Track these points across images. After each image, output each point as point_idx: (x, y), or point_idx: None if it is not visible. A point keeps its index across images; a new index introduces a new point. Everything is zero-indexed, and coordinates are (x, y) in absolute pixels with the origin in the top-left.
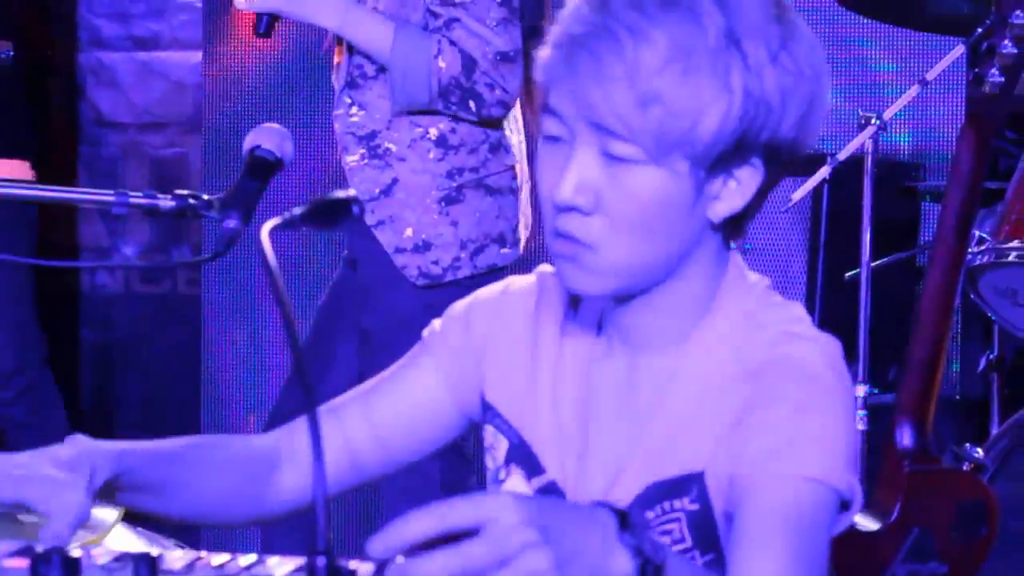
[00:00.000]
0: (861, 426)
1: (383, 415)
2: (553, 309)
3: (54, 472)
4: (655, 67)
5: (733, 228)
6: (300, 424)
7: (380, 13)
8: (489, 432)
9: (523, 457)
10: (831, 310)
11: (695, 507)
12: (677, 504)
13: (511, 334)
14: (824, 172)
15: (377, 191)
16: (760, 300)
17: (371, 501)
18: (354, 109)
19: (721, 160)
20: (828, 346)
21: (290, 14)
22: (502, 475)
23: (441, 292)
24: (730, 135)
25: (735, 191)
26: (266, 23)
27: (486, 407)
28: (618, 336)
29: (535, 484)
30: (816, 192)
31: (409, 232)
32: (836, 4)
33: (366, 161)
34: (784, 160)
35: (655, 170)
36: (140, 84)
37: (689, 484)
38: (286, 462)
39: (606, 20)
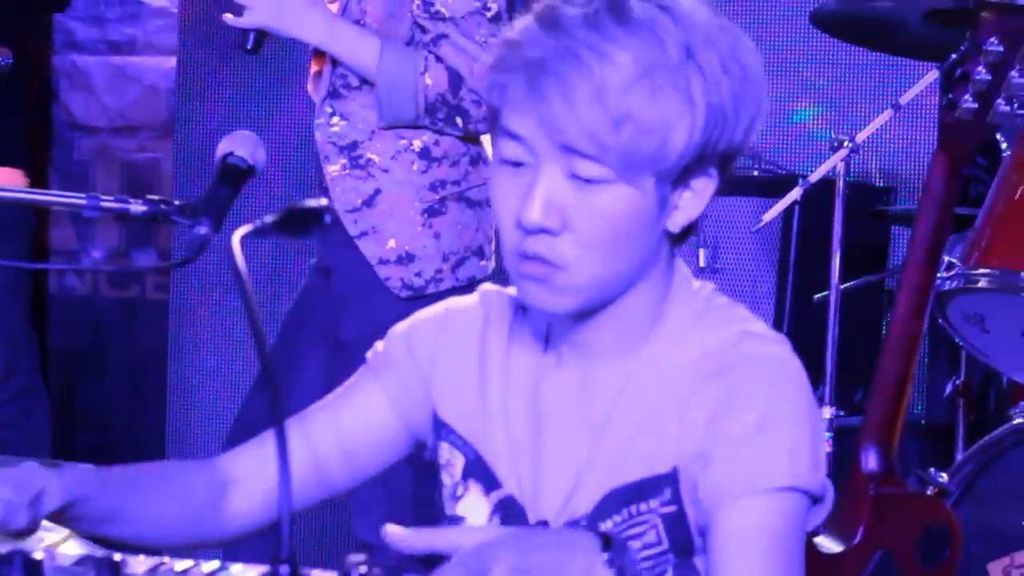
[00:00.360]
0: (827, 448)
1: (325, 438)
2: (499, 326)
3: None
4: (622, 87)
5: (681, 236)
6: (257, 443)
7: (366, 27)
8: (444, 449)
9: (480, 472)
10: (799, 332)
11: (671, 509)
12: (644, 507)
13: (458, 352)
14: (795, 194)
15: (359, 201)
16: (706, 302)
17: (327, 514)
18: (335, 119)
19: (685, 173)
20: (783, 343)
21: (276, 30)
22: (460, 491)
23: (420, 304)
24: (695, 148)
25: (691, 200)
26: (253, 39)
27: (439, 425)
28: (569, 350)
29: (493, 498)
30: (787, 213)
31: (392, 243)
32: (811, 26)
33: (348, 171)
34: (732, 165)
35: (623, 188)
36: (113, 88)
37: (658, 486)
38: (241, 483)
39: (566, 42)
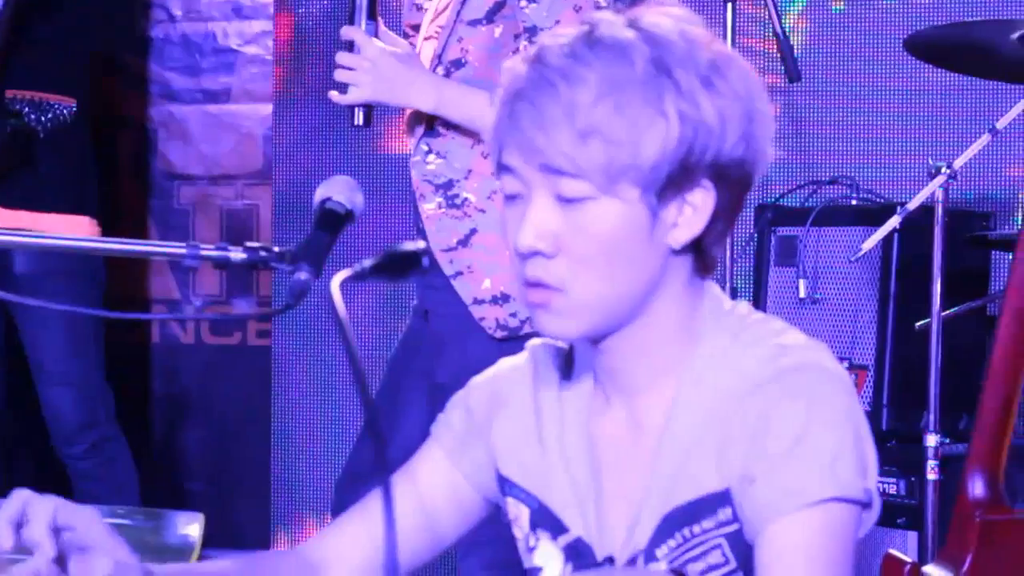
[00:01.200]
0: (933, 475)
1: (406, 508)
2: (549, 375)
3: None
4: (589, 103)
5: (701, 257)
6: (341, 524)
7: (468, 65)
8: (510, 504)
9: (546, 520)
10: (902, 360)
11: (734, 527)
12: (698, 528)
13: (512, 408)
14: (894, 222)
15: (455, 241)
16: (741, 319)
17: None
18: (431, 157)
19: (670, 184)
20: (821, 351)
21: (386, 102)
22: (532, 542)
23: (515, 345)
24: (673, 158)
25: (692, 216)
26: (364, 115)
27: (503, 481)
28: (611, 385)
29: (561, 543)
30: (886, 241)
31: (487, 283)
32: (906, 54)
33: (443, 210)
34: (735, 179)
35: (607, 202)
36: (210, 137)
37: (711, 506)
38: (335, 565)
39: (542, 71)
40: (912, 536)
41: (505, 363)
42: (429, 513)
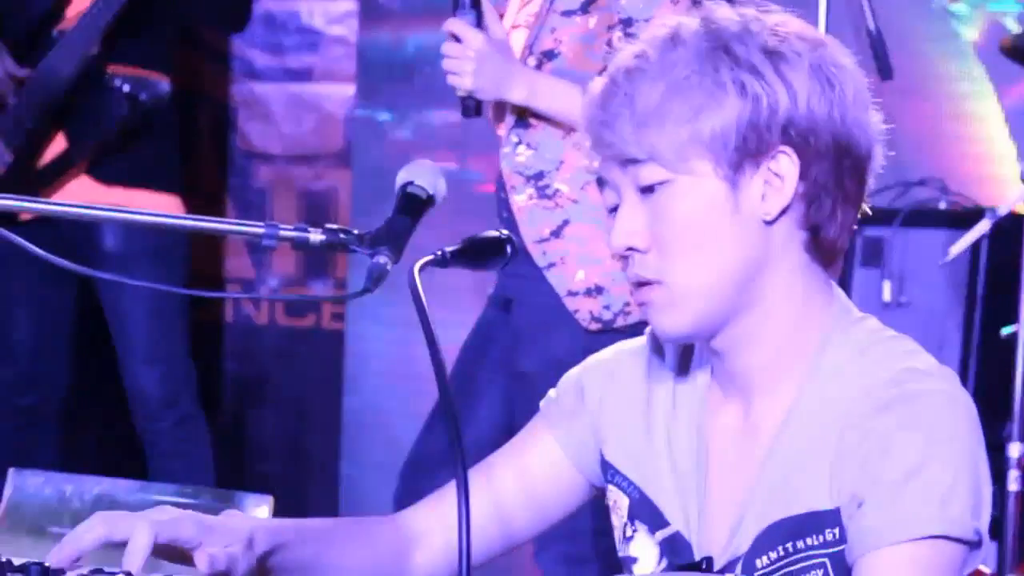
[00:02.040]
0: (1015, 486)
1: (507, 487)
2: (664, 366)
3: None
4: (646, 90)
5: (815, 240)
6: (439, 496)
7: (560, 57)
8: (611, 491)
9: (646, 511)
10: (987, 367)
11: (840, 548)
12: (801, 544)
13: (625, 393)
14: (984, 227)
15: (547, 232)
16: (871, 334)
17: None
18: (521, 148)
19: (744, 154)
20: (951, 381)
21: (484, 95)
22: (628, 532)
23: (607, 336)
24: (738, 127)
25: (777, 186)
26: (473, 105)
27: (606, 467)
28: (727, 383)
29: (659, 536)
30: (975, 246)
31: (581, 275)
32: (997, 55)
33: (535, 201)
34: (823, 147)
35: (682, 181)
36: (291, 116)
37: (819, 524)
38: (424, 539)
39: (611, 75)
40: (991, 547)
41: (624, 346)
42: (531, 492)
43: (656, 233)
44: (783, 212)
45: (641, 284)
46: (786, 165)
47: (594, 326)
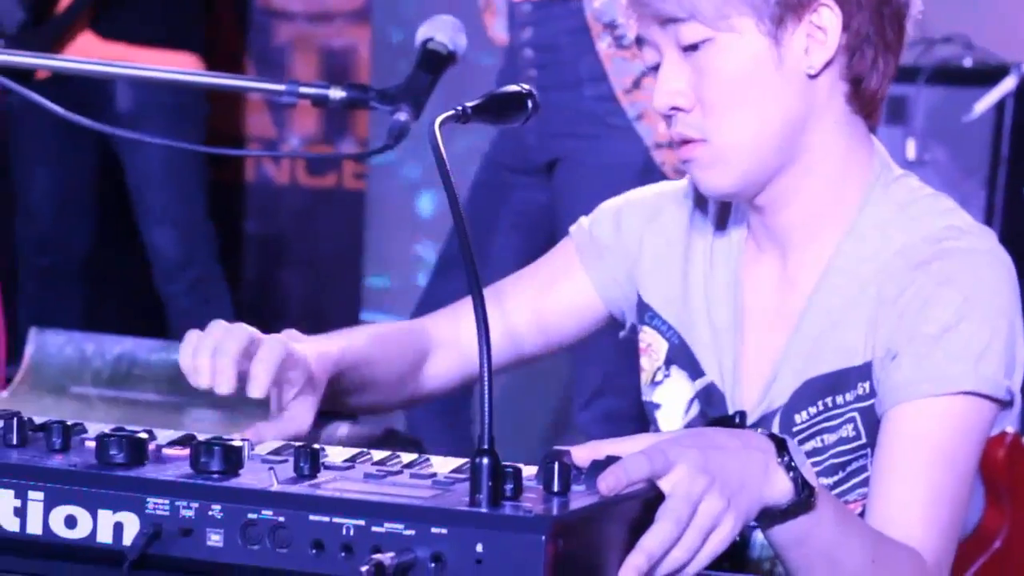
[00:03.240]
0: None
1: (521, 310)
2: (704, 215)
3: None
4: None
5: (857, 90)
6: (454, 308)
7: None
8: (647, 333)
9: (684, 358)
10: (1010, 226)
11: (870, 402)
12: (840, 400)
13: (665, 236)
14: (1009, 84)
15: (630, 83)
16: (912, 191)
17: (521, 411)
18: None
19: (784, 7)
20: (990, 239)
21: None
22: (659, 376)
23: None
24: None
25: (821, 38)
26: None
27: (644, 308)
28: (766, 236)
29: (697, 385)
30: (999, 104)
31: (663, 127)
32: None
33: (614, 50)
34: (853, 5)
35: (725, 39)
36: None
37: (854, 379)
38: (441, 346)
39: None
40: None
41: (666, 188)
42: (546, 319)
43: (700, 91)
44: (827, 65)
45: (685, 142)
46: (828, 17)
47: (675, 177)
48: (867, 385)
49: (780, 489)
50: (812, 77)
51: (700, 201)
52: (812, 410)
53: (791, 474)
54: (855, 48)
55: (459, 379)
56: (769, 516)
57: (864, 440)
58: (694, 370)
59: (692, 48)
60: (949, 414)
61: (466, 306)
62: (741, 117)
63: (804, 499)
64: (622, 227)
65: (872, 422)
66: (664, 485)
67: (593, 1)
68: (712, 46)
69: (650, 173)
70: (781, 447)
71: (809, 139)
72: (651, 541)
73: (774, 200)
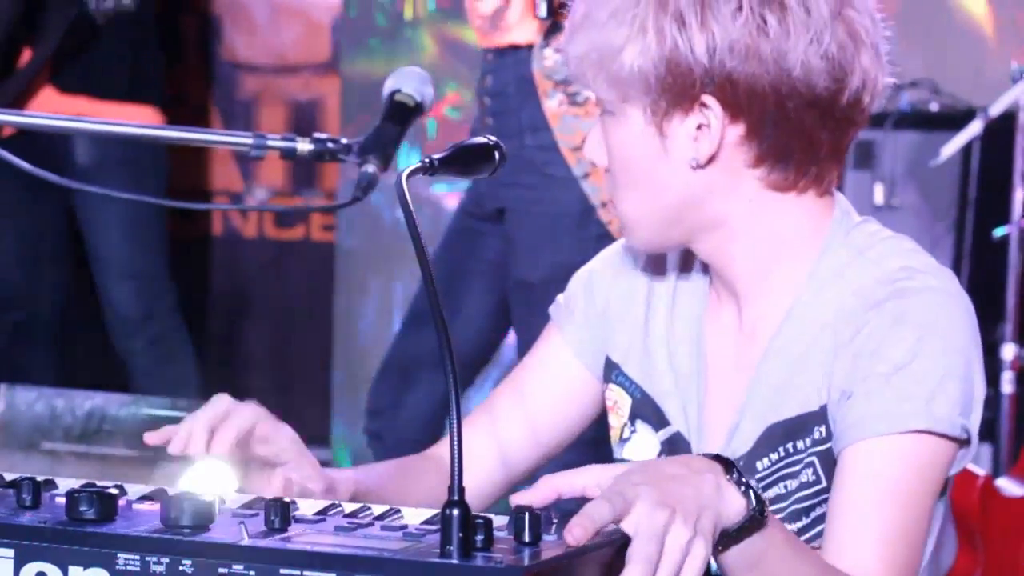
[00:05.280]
0: (1009, 388)
1: (535, 402)
2: (667, 267)
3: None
4: (591, 21)
5: (782, 183)
6: (471, 425)
7: None
8: (612, 391)
9: (648, 410)
10: (979, 269)
11: (827, 446)
12: (800, 445)
13: (627, 290)
14: (976, 128)
15: (580, 140)
16: (870, 236)
17: None
18: (548, 51)
19: (666, 99)
20: (947, 279)
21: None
22: (626, 433)
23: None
24: (656, 70)
25: (707, 133)
26: (547, 5)
27: (611, 366)
28: (722, 287)
29: (662, 435)
30: (966, 148)
31: None
32: None
33: (565, 108)
34: (753, 91)
35: (617, 120)
36: (276, 25)
37: (811, 424)
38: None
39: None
40: (985, 449)
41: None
42: (553, 405)
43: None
44: (713, 157)
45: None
46: (710, 114)
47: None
48: (823, 429)
49: (735, 506)
50: (700, 168)
51: (662, 256)
52: (773, 456)
53: (742, 489)
54: (762, 138)
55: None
56: (724, 539)
57: (824, 484)
58: (659, 421)
59: (604, 112)
60: (901, 452)
61: (470, 425)
62: (633, 194)
63: (759, 514)
64: (593, 292)
65: (830, 465)
66: (627, 527)
67: (544, 59)
68: (611, 120)
69: (587, 223)
70: (728, 466)
71: (718, 214)
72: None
73: (711, 258)
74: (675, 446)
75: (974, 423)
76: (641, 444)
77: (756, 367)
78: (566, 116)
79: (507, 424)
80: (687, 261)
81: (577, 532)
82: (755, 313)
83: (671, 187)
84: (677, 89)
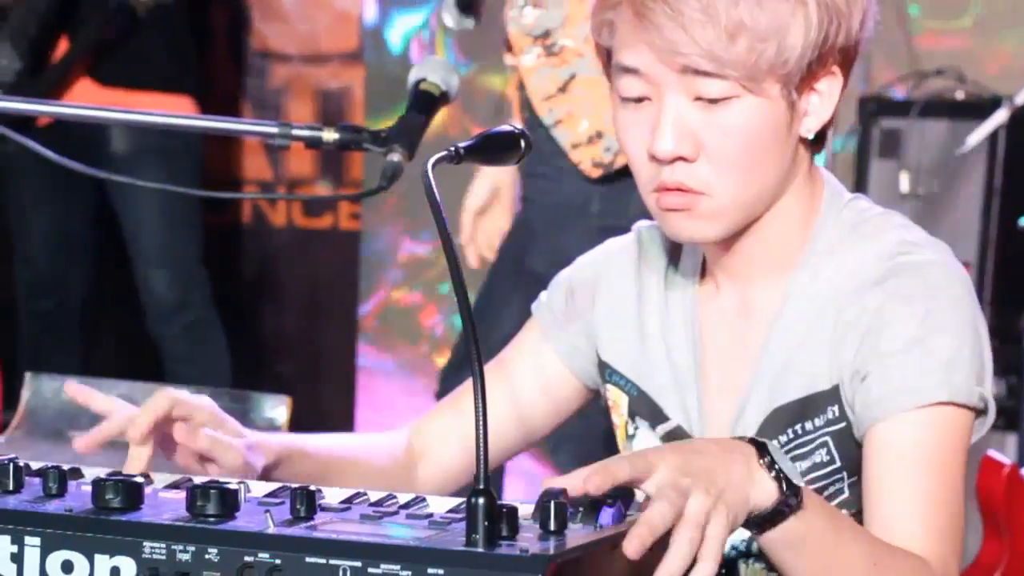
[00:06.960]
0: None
1: (520, 388)
2: (654, 261)
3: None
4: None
5: (819, 142)
6: (439, 413)
7: None
8: (610, 391)
9: (645, 408)
10: (1004, 257)
11: (840, 426)
12: (809, 426)
13: (616, 291)
14: (1002, 116)
15: (555, 89)
16: (861, 212)
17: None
18: (528, 9)
19: (808, 74)
20: (942, 251)
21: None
22: (630, 430)
23: (615, 233)
24: (812, 46)
25: (821, 104)
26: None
27: (604, 367)
28: (724, 275)
29: (660, 431)
30: (992, 136)
31: (584, 125)
32: None
33: (543, 60)
34: (853, 60)
35: (750, 100)
36: (305, 15)
37: (821, 404)
38: (427, 455)
39: None
40: (1011, 438)
41: (612, 243)
42: (519, 401)
43: (710, 144)
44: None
45: (678, 190)
46: (830, 85)
47: (596, 172)
48: (836, 408)
49: (765, 490)
50: (801, 140)
51: (647, 251)
52: (782, 439)
53: (773, 474)
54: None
55: (448, 488)
56: (759, 521)
57: (839, 464)
58: (656, 417)
59: (710, 101)
60: (927, 425)
61: (450, 407)
62: (749, 175)
63: (791, 499)
64: (575, 293)
65: (846, 445)
66: (648, 487)
67: (523, 18)
68: (736, 103)
69: (586, 215)
70: (762, 450)
71: (785, 190)
72: (650, 514)
73: (741, 241)
74: (676, 440)
75: (988, 392)
76: (644, 441)
77: (758, 351)
78: (542, 69)
79: (495, 406)
80: (673, 260)
81: (596, 480)
82: (755, 295)
83: (783, 161)
84: (819, 59)
